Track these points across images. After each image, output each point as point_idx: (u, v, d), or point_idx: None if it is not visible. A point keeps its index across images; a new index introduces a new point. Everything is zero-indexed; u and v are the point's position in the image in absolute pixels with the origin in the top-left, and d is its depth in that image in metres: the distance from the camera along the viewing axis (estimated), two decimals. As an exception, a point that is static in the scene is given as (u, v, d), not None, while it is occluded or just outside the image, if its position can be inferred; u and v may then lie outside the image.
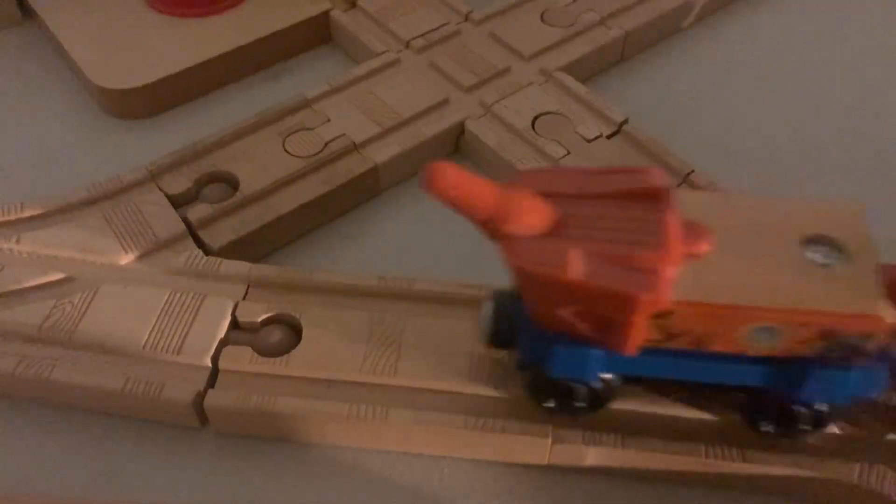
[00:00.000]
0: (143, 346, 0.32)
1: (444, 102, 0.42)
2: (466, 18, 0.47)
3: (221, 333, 0.32)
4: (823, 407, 0.27)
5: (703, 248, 0.25)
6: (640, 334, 0.25)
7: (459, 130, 0.41)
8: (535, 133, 0.40)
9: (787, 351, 0.26)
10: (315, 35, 0.48)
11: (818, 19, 0.51)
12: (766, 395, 0.28)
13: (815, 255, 0.26)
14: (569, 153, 0.39)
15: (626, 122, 0.40)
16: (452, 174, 0.24)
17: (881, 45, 0.49)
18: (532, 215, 0.25)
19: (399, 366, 0.31)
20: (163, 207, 0.36)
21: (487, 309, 0.29)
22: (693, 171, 0.38)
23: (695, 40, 0.49)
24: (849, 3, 0.52)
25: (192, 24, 0.46)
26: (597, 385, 0.28)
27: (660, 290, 0.24)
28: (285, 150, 0.39)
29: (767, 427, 0.28)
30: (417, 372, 0.31)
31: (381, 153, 0.39)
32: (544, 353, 0.27)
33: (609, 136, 0.40)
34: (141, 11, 0.47)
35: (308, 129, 0.40)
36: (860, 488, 0.28)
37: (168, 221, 0.36)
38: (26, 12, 0.49)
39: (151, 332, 0.32)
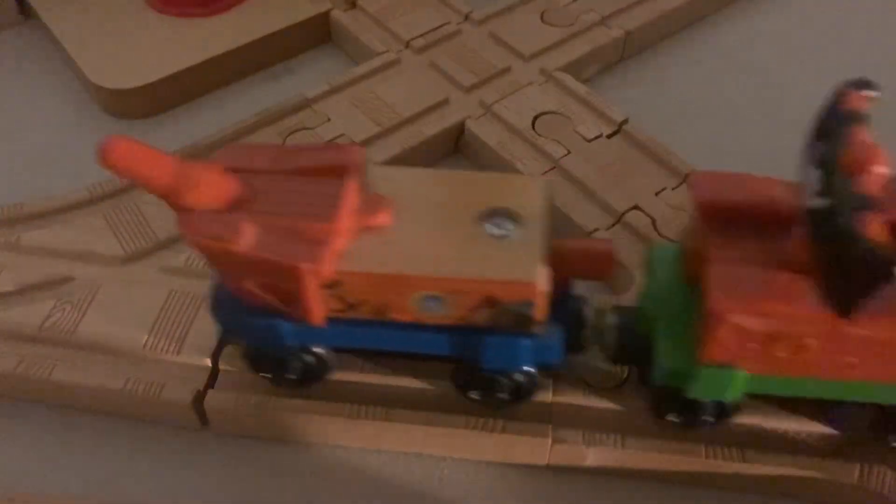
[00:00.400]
0: (143, 346, 0.32)
1: (444, 102, 0.42)
2: (466, 18, 0.47)
3: (221, 333, 0.32)
4: (520, 376, 0.28)
5: (381, 220, 0.26)
6: (319, 305, 0.26)
7: (459, 130, 0.41)
8: (536, 133, 0.40)
9: (460, 319, 0.26)
10: (315, 35, 0.48)
11: (818, 19, 0.51)
12: (464, 364, 0.28)
13: (492, 226, 0.26)
14: (569, 153, 0.39)
15: (626, 122, 0.40)
16: (125, 147, 0.24)
17: (881, 45, 0.49)
18: (212, 189, 0.25)
19: (399, 366, 0.31)
20: (163, 207, 0.36)
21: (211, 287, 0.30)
22: (693, 170, 0.38)
23: (695, 40, 0.49)
24: (849, 3, 0.52)
25: (192, 24, 0.46)
26: (307, 358, 0.29)
27: (321, 260, 0.24)
28: (285, 150, 0.39)
29: (474, 395, 0.29)
30: (417, 371, 0.31)
31: (382, 153, 0.39)
32: (240, 324, 0.28)
33: (609, 136, 0.40)
34: (141, 11, 0.47)
35: (308, 128, 0.40)
36: (860, 488, 0.28)
37: (168, 221, 0.36)
38: (26, 12, 0.49)
39: (151, 332, 0.32)
